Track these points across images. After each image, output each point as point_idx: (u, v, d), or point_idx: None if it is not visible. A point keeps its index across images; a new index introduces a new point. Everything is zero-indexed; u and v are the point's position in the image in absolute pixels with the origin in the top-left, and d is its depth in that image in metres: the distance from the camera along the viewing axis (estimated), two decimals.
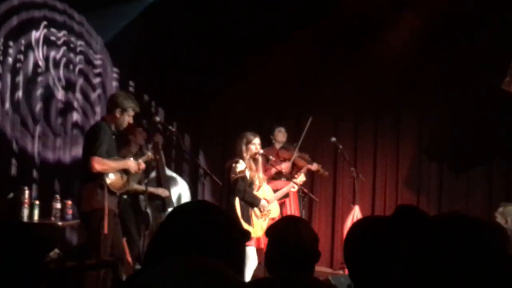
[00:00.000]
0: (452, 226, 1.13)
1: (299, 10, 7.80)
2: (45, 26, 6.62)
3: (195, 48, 8.25)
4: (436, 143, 7.94)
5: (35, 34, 6.48)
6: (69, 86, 6.90)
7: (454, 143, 7.76)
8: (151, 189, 5.95)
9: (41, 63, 6.53)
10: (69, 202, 5.71)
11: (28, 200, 5.53)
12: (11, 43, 6.21)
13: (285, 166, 6.97)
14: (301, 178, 6.46)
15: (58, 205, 5.64)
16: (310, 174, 7.56)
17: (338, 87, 8.18)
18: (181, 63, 8.11)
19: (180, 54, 8.04)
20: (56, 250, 4.89)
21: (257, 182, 6.06)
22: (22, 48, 6.32)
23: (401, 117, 8.16)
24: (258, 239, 6.00)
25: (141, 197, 6.04)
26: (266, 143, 7.00)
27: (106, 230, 4.84)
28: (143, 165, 5.34)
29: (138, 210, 6.13)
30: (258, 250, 5.98)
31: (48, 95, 6.62)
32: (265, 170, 6.47)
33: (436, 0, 7.36)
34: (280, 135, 7.33)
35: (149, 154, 5.51)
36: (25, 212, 5.48)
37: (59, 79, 6.78)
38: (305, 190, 6.48)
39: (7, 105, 6.13)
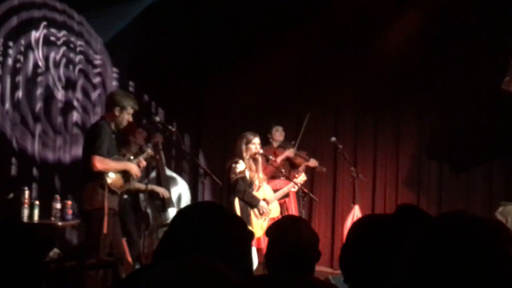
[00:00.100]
0: (456, 225, 1.12)
1: (299, 10, 7.80)
2: (44, 26, 6.62)
3: (195, 48, 8.25)
4: (436, 143, 7.93)
5: (34, 34, 6.48)
6: (69, 86, 6.90)
7: (454, 143, 7.76)
8: (152, 187, 5.96)
9: (40, 63, 6.53)
10: (69, 202, 5.71)
11: (28, 200, 5.53)
12: (11, 43, 6.21)
13: (279, 161, 6.94)
14: (301, 177, 6.46)
15: (58, 205, 5.64)
16: (310, 172, 7.56)
17: (338, 86, 8.17)
18: (181, 63, 8.11)
19: (180, 54, 8.04)
20: (56, 250, 4.89)
21: (256, 182, 6.06)
22: (22, 49, 6.32)
23: (401, 117, 8.15)
24: (258, 239, 6.00)
25: (141, 197, 6.04)
26: (264, 142, 6.99)
27: (105, 230, 4.84)
28: (144, 163, 5.34)
29: (138, 210, 6.14)
30: (258, 250, 5.97)
31: (48, 95, 6.62)
32: (264, 169, 6.47)
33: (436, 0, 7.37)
34: (278, 134, 7.32)
35: (149, 151, 5.52)
36: (25, 212, 5.47)
37: (59, 79, 6.78)
38: (305, 190, 6.48)
39: (7, 105, 6.13)
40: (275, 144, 7.33)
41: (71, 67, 6.95)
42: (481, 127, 7.41)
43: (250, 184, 5.96)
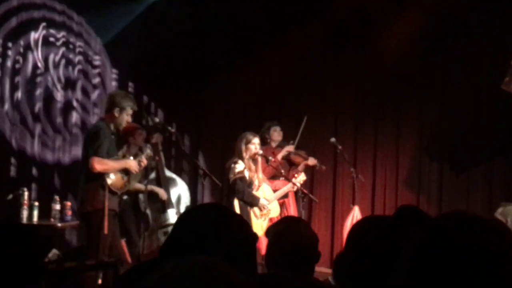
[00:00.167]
0: (456, 225, 1.12)
1: (299, 10, 7.80)
2: (44, 27, 6.61)
3: (195, 48, 8.25)
4: (436, 143, 7.93)
5: (34, 35, 6.48)
6: (68, 87, 6.89)
7: (454, 143, 7.75)
8: (152, 187, 5.95)
9: (40, 64, 6.53)
10: (69, 203, 5.71)
11: (27, 201, 5.53)
12: (10, 44, 6.20)
13: (279, 157, 6.92)
14: (301, 177, 6.45)
15: (58, 206, 5.63)
16: (309, 172, 7.55)
17: (338, 87, 8.17)
18: (181, 63, 8.10)
19: (180, 54, 8.04)
20: (55, 251, 4.88)
21: (256, 182, 6.06)
22: (21, 49, 6.32)
23: (401, 117, 8.14)
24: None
25: (141, 198, 6.03)
26: (261, 142, 6.96)
27: (106, 231, 4.85)
28: (144, 161, 5.34)
29: (138, 210, 6.13)
30: (258, 250, 5.97)
31: (48, 96, 6.61)
32: (264, 169, 6.46)
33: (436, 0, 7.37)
34: (276, 134, 7.30)
35: (148, 151, 5.52)
36: (25, 213, 5.47)
37: (59, 80, 6.78)
38: (305, 191, 6.47)
39: (7, 106, 6.12)
40: (273, 144, 7.32)
41: (70, 67, 6.95)
42: (481, 127, 7.40)
43: (249, 184, 5.96)
